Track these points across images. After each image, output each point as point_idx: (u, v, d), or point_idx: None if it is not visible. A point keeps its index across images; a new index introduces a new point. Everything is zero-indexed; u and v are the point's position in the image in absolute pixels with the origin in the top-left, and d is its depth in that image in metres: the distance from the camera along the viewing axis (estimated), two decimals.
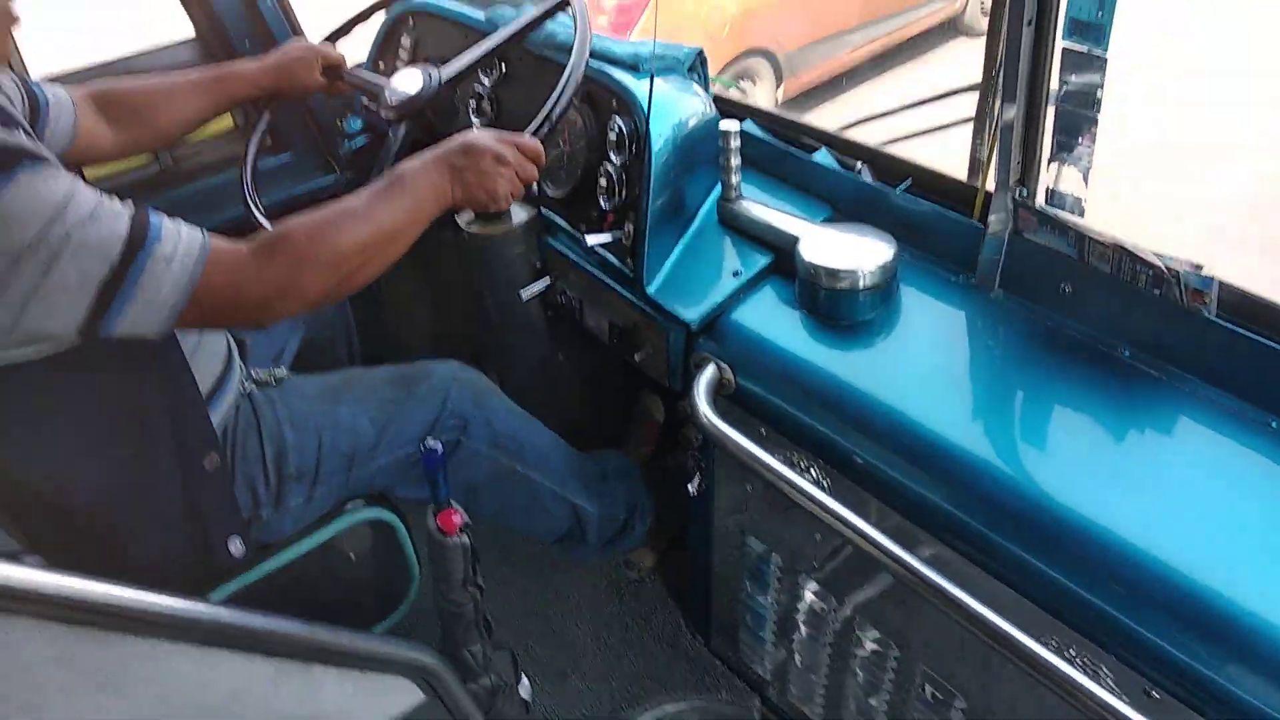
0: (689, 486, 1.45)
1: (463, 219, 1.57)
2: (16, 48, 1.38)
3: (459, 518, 1.22)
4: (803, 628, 1.41)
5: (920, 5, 5.03)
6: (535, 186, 1.59)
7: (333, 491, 1.34)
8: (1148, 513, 0.93)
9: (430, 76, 1.46)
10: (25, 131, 1.16)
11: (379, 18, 1.86)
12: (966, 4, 5.09)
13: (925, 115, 1.61)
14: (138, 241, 0.94)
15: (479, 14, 1.71)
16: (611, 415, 1.92)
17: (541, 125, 1.29)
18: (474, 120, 1.70)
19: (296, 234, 1.06)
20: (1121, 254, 1.06)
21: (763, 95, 4.60)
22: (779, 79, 4.63)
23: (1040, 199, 1.15)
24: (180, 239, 0.98)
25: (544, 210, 1.58)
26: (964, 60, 5.01)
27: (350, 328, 1.81)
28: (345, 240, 1.08)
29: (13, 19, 1.07)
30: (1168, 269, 1.02)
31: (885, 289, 1.24)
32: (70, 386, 1.05)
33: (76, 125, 1.34)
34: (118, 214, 0.95)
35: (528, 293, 1.58)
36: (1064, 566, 0.95)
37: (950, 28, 5.17)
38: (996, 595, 0.99)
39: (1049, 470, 1.01)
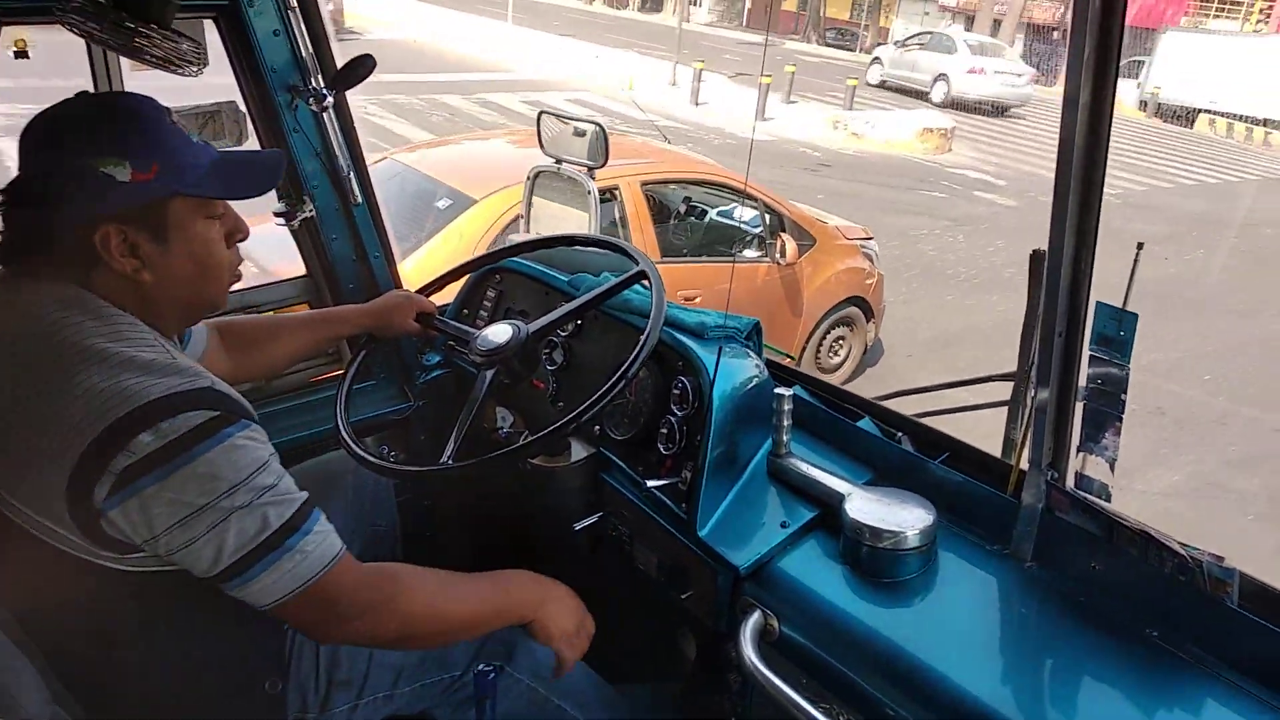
0: None
1: None
2: None
3: None
4: None
5: None
6: (597, 428, 1.74)
7: (377, 706, 1.36)
8: None
9: (518, 330, 1.65)
10: None
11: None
12: (799, 360, 5.37)
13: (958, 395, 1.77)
14: (296, 524, 1.10)
15: (563, 277, 1.95)
16: (647, 651, 1.94)
17: (636, 359, 1.47)
18: (547, 369, 1.87)
19: (406, 584, 1.22)
20: (1148, 541, 1.16)
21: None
22: None
23: (1070, 481, 1.27)
24: (325, 541, 1.13)
25: (602, 450, 1.71)
26: None
27: (398, 545, 1.89)
28: (441, 609, 1.27)
29: (238, 277, 1.29)
30: (1191, 558, 1.11)
31: (926, 551, 1.33)
32: (181, 600, 1.15)
33: (205, 353, 1.53)
34: (291, 491, 1.12)
35: (581, 524, 1.68)
36: None
37: None
38: None
39: None
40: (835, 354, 5.79)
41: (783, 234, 5.02)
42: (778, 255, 4.96)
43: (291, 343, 1.69)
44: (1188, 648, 1.14)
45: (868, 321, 5.84)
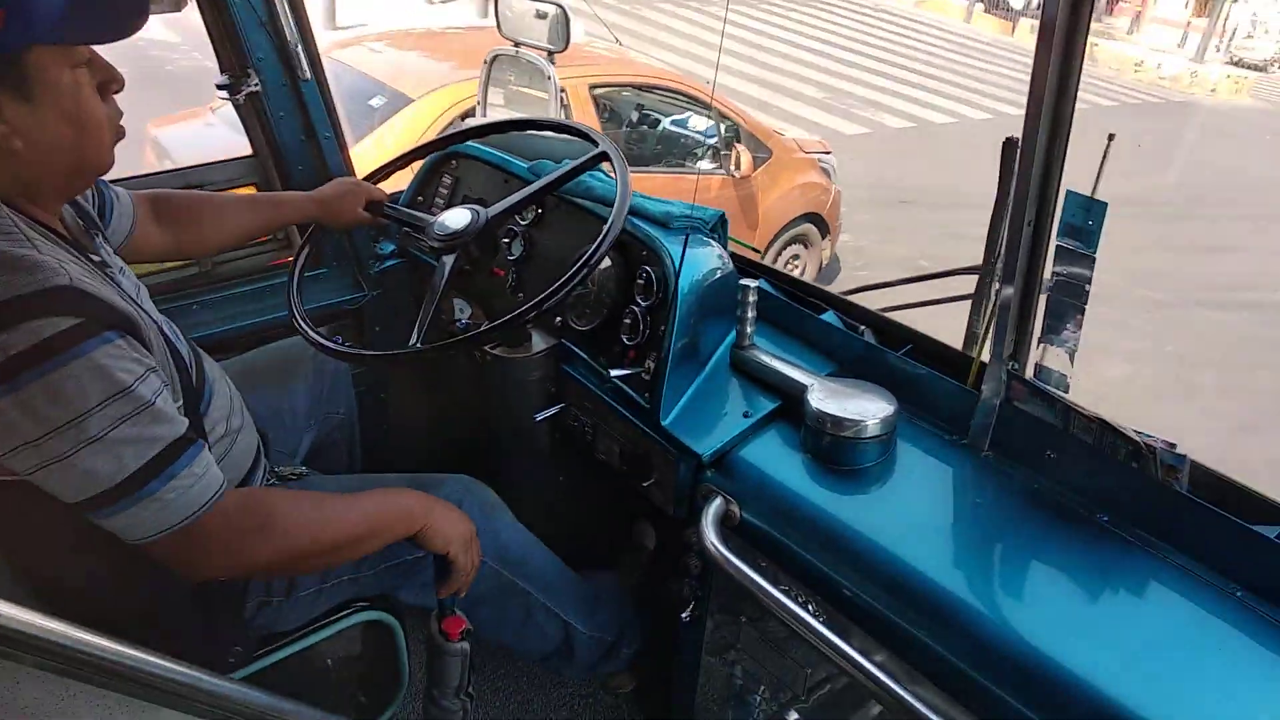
0: (682, 614, 1.49)
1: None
2: None
3: (464, 624, 1.25)
4: None
5: None
6: (558, 319, 1.71)
7: (342, 587, 1.37)
8: (1118, 664, 1.02)
9: (477, 215, 1.59)
10: (98, 230, 1.27)
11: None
12: None
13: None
14: (170, 457, 1.02)
15: (522, 162, 1.88)
16: (605, 539, 1.97)
17: (599, 247, 1.42)
18: (508, 258, 1.82)
19: (278, 513, 1.15)
20: (1103, 428, 1.18)
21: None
22: None
23: (1029, 372, 1.28)
24: (202, 478, 1.06)
25: (564, 341, 1.69)
26: None
27: (355, 432, 1.87)
28: (317, 534, 1.18)
29: (121, 133, 1.15)
30: (1145, 445, 1.14)
31: (885, 441, 1.34)
32: None
33: (134, 225, 1.44)
34: (168, 417, 1.03)
35: (541, 415, 1.67)
36: (1039, 708, 1.01)
37: None
38: None
39: (1029, 619, 1.10)
40: (790, 272, 5.50)
41: (738, 145, 4.83)
42: (732, 167, 4.80)
43: (233, 222, 1.60)
44: (1135, 532, 1.18)
45: (824, 238, 5.69)
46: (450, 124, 3.97)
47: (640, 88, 4.98)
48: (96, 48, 1.06)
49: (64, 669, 0.76)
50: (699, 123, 4.83)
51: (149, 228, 1.49)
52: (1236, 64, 16.73)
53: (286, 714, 0.96)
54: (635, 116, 4.90)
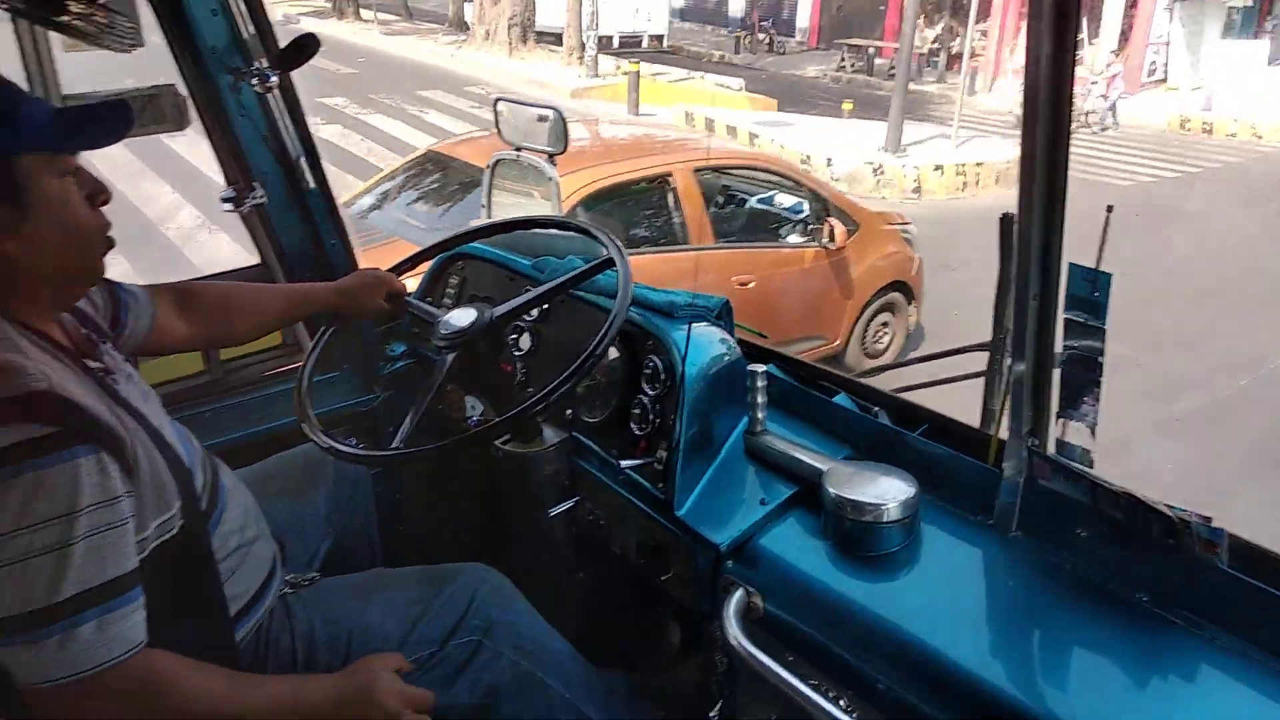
0: (709, 714, 1.43)
1: (497, 440, 1.66)
2: None
3: None
4: None
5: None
6: (569, 411, 1.70)
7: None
8: None
9: (482, 313, 1.60)
10: (107, 337, 1.28)
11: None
12: (845, 346, 5.50)
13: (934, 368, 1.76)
14: (93, 600, 0.98)
15: (526, 261, 1.90)
16: (627, 635, 1.91)
17: (600, 343, 1.40)
18: (514, 354, 1.82)
19: (181, 694, 1.08)
20: (1133, 504, 1.15)
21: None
22: None
23: (1051, 448, 1.25)
24: (119, 632, 1.01)
25: (575, 434, 1.67)
26: None
27: (375, 533, 1.84)
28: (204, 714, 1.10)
29: (110, 243, 1.18)
30: (1179, 520, 1.10)
31: (908, 525, 1.31)
32: None
33: (154, 321, 1.45)
34: (114, 556, 1.00)
35: (555, 510, 1.64)
36: None
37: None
38: None
39: (1078, 710, 1.04)
40: (880, 340, 5.76)
41: (830, 219, 5.01)
42: (825, 239, 4.96)
43: (261, 309, 1.61)
44: (1179, 611, 1.13)
45: (909, 304, 5.82)
46: (579, 203, 4.28)
47: (737, 169, 5.34)
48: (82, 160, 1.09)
49: None
50: (784, 199, 5.05)
51: (173, 321, 1.50)
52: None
53: None
54: (721, 198, 5.15)
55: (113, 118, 1.14)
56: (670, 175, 4.68)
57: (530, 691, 1.50)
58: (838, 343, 5.43)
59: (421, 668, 1.38)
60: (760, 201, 5.07)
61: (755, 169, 5.36)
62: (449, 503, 2.14)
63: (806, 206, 5.02)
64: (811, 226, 5.05)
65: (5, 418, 0.93)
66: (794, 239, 5.09)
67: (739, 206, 5.14)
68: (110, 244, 1.17)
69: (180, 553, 1.13)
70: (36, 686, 0.98)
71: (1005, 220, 1.29)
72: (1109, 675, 1.10)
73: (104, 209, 1.14)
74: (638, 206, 4.74)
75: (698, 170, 4.83)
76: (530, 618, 1.54)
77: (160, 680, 1.07)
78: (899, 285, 5.69)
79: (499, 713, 1.47)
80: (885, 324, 5.73)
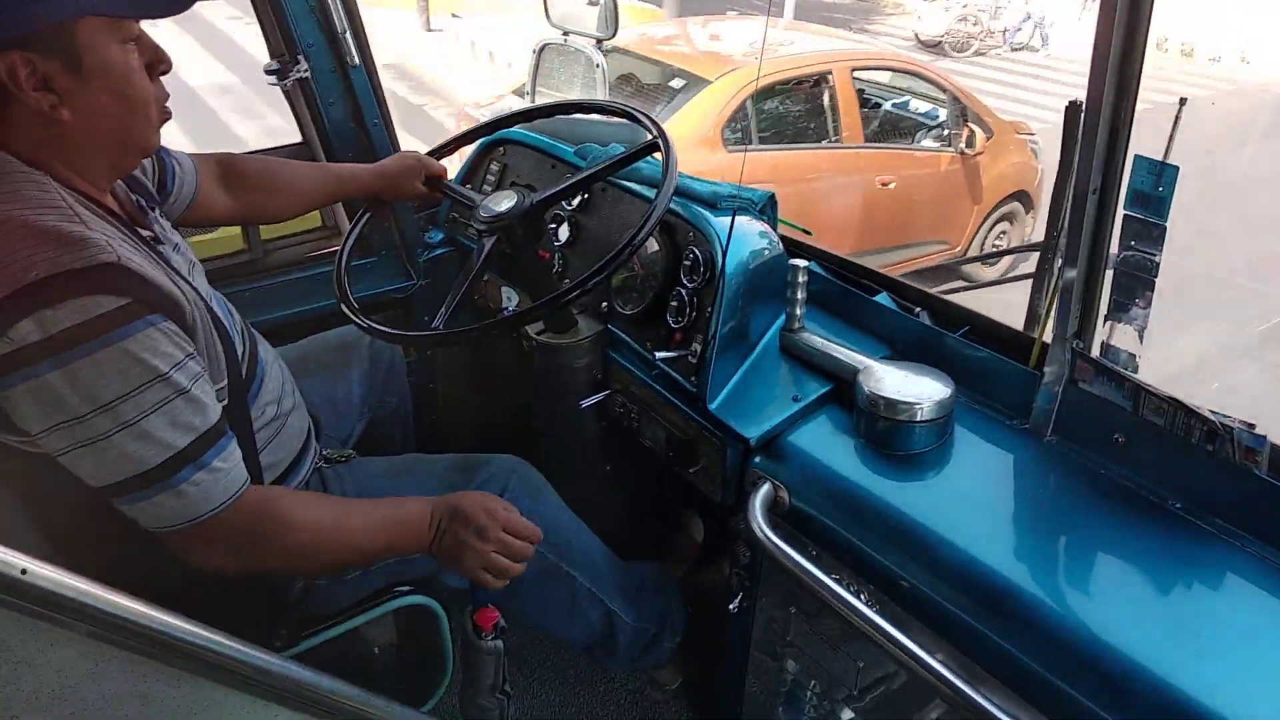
0: (730, 605, 1.46)
1: (532, 327, 1.65)
2: None
3: (496, 618, 1.24)
4: None
5: None
6: (604, 304, 1.69)
7: (387, 569, 1.36)
8: (1196, 660, 0.95)
9: (523, 198, 1.57)
10: (156, 203, 1.28)
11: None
12: (965, 252, 5.57)
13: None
14: (197, 451, 1.02)
15: (569, 148, 1.86)
16: (651, 528, 1.94)
17: (642, 229, 1.37)
18: (553, 243, 1.81)
19: (293, 521, 1.13)
20: (1176, 408, 1.12)
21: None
22: None
23: (1095, 352, 1.22)
24: (225, 476, 1.06)
25: (610, 326, 1.66)
26: None
27: (409, 418, 1.87)
28: (325, 548, 1.17)
29: (168, 115, 1.16)
30: (1221, 425, 1.07)
31: (942, 425, 1.29)
32: None
33: (198, 190, 1.45)
34: (202, 409, 1.03)
35: (587, 402, 1.65)
36: (1113, 707, 0.95)
37: (944, 271, 5.56)
38: None
39: (1100, 613, 1.03)
40: (998, 245, 5.84)
41: (969, 124, 5.16)
42: (963, 144, 5.12)
43: (301, 187, 1.61)
44: (1212, 519, 1.11)
45: (1027, 214, 5.86)
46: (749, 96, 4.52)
47: (888, 69, 5.55)
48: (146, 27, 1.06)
49: (101, 634, 0.75)
50: (918, 104, 5.32)
51: (215, 192, 1.50)
52: None
53: (330, 693, 0.96)
54: (864, 100, 5.23)
55: None
56: (830, 73, 4.77)
57: (556, 583, 1.53)
58: (959, 249, 5.52)
59: None
60: (896, 106, 5.25)
61: (902, 71, 5.52)
62: (483, 392, 2.17)
63: (942, 113, 5.22)
64: (949, 131, 5.20)
65: (78, 290, 0.93)
66: (928, 143, 5.25)
67: (873, 109, 5.25)
68: (167, 115, 1.15)
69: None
70: (158, 531, 1.04)
71: (1072, 108, 1.22)
72: (1136, 580, 1.08)
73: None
74: (798, 102, 4.87)
75: (854, 70, 4.98)
76: (559, 510, 1.56)
77: (274, 513, 1.13)
78: (1020, 195, 5.75)
79: (525, 603, 1.51)
80: (1004, 232, 5.79)
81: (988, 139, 5.26)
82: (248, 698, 0.89)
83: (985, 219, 5.54)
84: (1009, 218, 5.74)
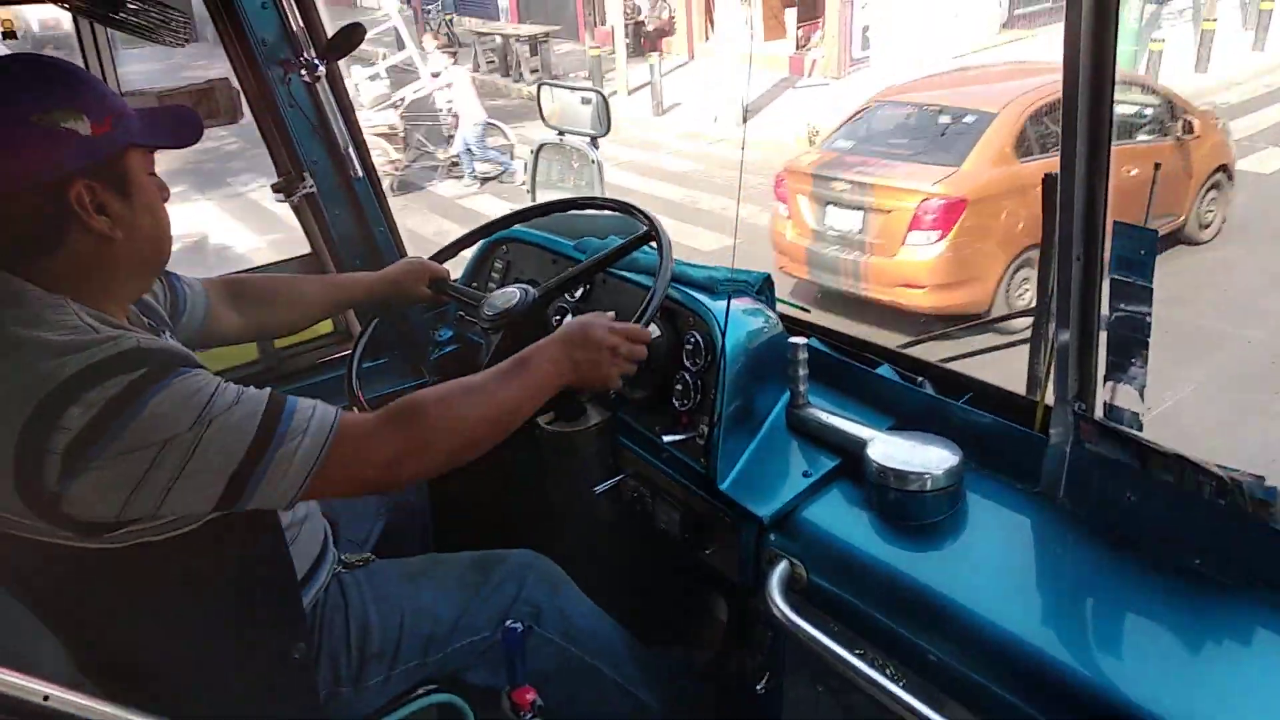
0: (757, 686, 1.44)
1: (541, 418, 1.68)
2: None
3: (533, 696, 1.23)
4: None
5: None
6: (612, 391, 1.71)
7: (410, 674, 1.36)
8: (1228, 717, 0.94)
9: (526, 293, 1.62)
10: (168, 327, 1.33)
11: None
12: (1186, 220, 6.81)
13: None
14: (273, 419, 1.07)
15: (569, 242, 1.92)
16: (675, 613, 1.93)
17: (643, 315, 1.44)
18: None
19: (426, 401, 1.20)
20: (1183, 465, 1.12)
21: None
22: None
23: (1099, 412, 1.23)
24: (314, 416, 1.10)
25: (619, 413, 1.69)
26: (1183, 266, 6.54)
27: (427, 516, 1.88)
28: (470, 411, 1.22)
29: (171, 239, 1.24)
30: (1230, 479, 1.07)
31: (953, 493, 1.29)
32: (182, 568, 1.13)
33: (209, 312, 1.51)
34: (257, 397, 1.08)
35: (601, 487, 1.66)
36: None
37: (1171, 238, 6.74)
38: None
39: (1133, 676, 1.02)
40: (1209, 213, 7.04)
41: (1186, 114, 6.49)
42: (1181, 132, 6.45)
43: (307, 303, 1.67)
44: (1233, 574, 1.10)
45: (1229, 182, 7.08)
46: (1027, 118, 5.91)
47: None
48: None
49: None
50: (1125, 109, 6.36)
51: (225, 312, 1.56)
52: None
53: None
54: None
55: (189, 119, 1.23)
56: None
57: (581, 677, 1.52)
58: (1182, 218, 6.73)
59: (476, 656, 1.42)
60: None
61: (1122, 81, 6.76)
62: (498, 485, 2.18)
63: (1148, 111, 6.51)
64: (1167, 124, 6.50)
65: (112, 372, 0.99)
66: (1142, 136, 6.50)
67: None
68: (171, 239, 1.23)
69: (247, 523, 1.17)
70: (298, 495, 1.09)
71: (1048, 180, 1.26)
72: (1162, 640, 1.07)
73: None
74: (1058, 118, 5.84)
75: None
76: (579, 603, 1.56)
77: (389, 420, 1.17)
78: (1221, 168, 6.99)
79: (551, 699, 1.49)
80: (1213, 199, 7.03)
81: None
82: None
83: (1199, 191, 6.77)
84: (1216, 187, 6.99)
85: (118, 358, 1.01)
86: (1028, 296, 5.94)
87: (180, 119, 1.21)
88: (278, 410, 1.08)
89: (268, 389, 1.11)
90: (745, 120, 12.42)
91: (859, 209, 5.95)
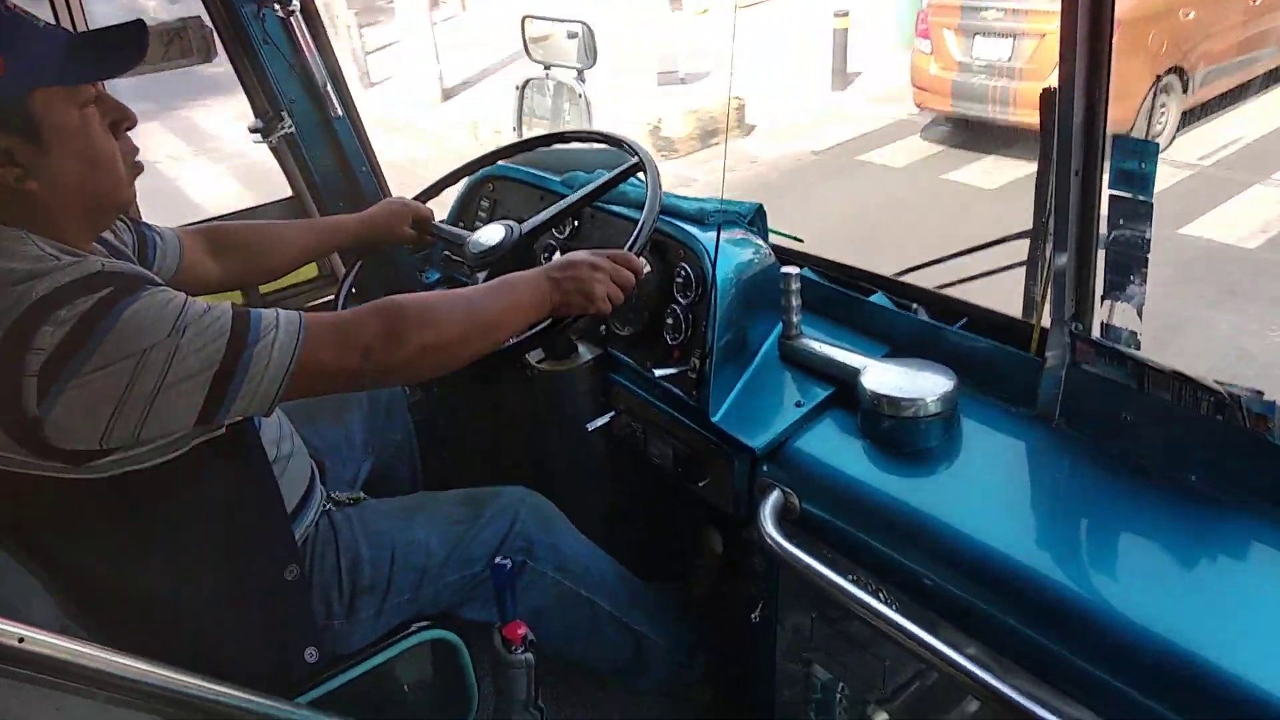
0: (751, 616, 1.44)
1: (532, 356, 1.66)
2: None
3: (524, 630, 1.23)
4: None
5: None
6: (603, 327, 1.69)
7: (402, 607, 1.35)
8: (1229, 634, 0.93)
9: (511, 230, 1.59)
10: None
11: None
12: None
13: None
14: (242, 325, 1.05)
15: (556, 178, 1.87)
16: (670, 547, 1.93)
17: (633, 245, 1.41)
18: None
19: (404, 299, 1.18)
20: (1181, 382, 1.10)
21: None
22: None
23: (1095, 332, 1.21)
24: (279, 317, 1.09)
25: (609, 349, 1.67)
26: None
27: (415, 456, 1.87)
28: (446, 315, 1.20)
29: (139, 168, 1.18)
30: (1229, 395, 1.06)
31: (947, 418, 1.28)
32: (169, 497, 1.12)
33: (182, 260, 1.47)
34: (223, 309, 1.06)
35: (593, 425, 1.64)
36: (1151, 688, 0.93)
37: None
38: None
39: (1128, 594, 1.01)
40: None
41: None
42: None
43: (291, 245, 1.63)
44: (1229, 490, 1.09)
45: None
46: None
47: None
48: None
49: (113, 697, 0.75)
50: None
51: (204, 262, 1.52)
52: None
53: None
54: None
55: (129, 41, 1.10)
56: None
57: (577, 610, 1.52)
58: None
59: (468, 591, 1.42)
60: None
61: None
62: (487, 426, 2.17)
63: None
64: None
65: (80, 292, 0.96)
66: None
67: None
68: (138, 169, 1.17)
69: (231, 449, 1.16)
70: (282, 390, 1.07)
71: (1045, 95, 1.22)
72: (1160, 558, 1.07)
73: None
74: None
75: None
76: (573, 537, 1.55)
77: (369, 313, 1.15)
78: None
79: (547, 632, 1.50)
80: None
81: None
82: None
83: None
84: None
85: (85, 279, 0.98)
86: (1166, 121, 6.06)
87: (118, 42, 1.09)
88: (245, 315, 1.06)
89: (227, 304, 1.08)
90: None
91: (1009, 36, 6.01)
